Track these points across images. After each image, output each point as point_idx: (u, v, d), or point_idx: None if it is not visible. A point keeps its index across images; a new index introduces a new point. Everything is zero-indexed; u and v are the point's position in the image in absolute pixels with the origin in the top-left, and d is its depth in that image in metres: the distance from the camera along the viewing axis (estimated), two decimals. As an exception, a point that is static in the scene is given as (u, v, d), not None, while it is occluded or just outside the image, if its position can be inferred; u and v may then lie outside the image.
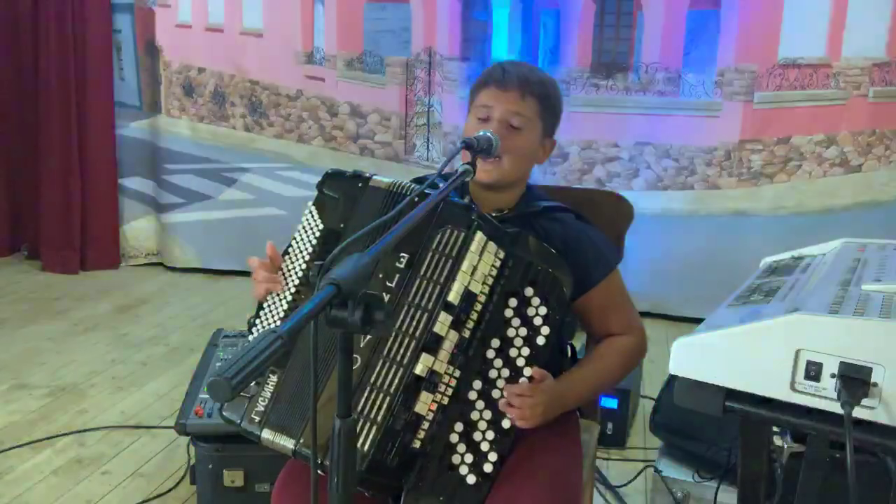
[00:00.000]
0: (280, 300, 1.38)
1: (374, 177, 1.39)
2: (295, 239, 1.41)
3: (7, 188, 4.60)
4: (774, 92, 3.71)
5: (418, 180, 1.43)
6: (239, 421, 1.33)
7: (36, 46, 4.33)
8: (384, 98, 4.21)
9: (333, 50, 4.24)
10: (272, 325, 1.37)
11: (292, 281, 1.38)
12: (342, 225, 1.37)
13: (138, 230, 4.62)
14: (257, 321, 1.41)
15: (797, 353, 0.98)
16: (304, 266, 1.38)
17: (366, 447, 1.20)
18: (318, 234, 1.39)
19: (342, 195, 1.39)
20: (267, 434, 1.29)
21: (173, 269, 4.56)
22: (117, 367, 3.16)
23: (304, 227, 1.41)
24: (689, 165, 3.85)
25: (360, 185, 1.38)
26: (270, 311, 1.39)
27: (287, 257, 1.40)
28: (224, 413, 1.35)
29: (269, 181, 4.44)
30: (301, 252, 1.39)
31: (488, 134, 1.33)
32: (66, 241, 4.40)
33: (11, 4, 4.41)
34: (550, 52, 3.91)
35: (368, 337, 1.23)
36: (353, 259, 0.86)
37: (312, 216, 1.41)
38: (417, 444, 1.22)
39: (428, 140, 4.19)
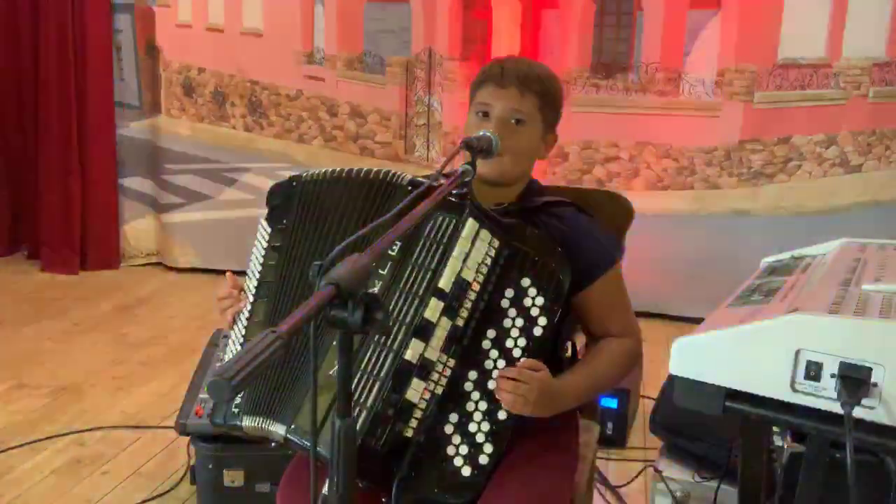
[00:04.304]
0: (244, 309, 1.39)
1: (309, 171, 1.41)
2: (252, 253, 1.43)
3: (7, 188, 4.60)
4: (774, 92, 3.71)
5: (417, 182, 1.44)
6: (223, 421, 1.34)
7: (36, 46, 4.33)
8: (384, 98, 4.21)
9: (333, 50, 4.24)
10: (241, 332, 1.38)
11: (251, 286, 1.39)
12: (284, 221, 1.39)
13: (138, 230, 4.62)
14: (231, 333, 1.42)
15: (797, 353, 0.98)
16: (259, 269, 1.40)
17: None
18: (267, 237, 1.41)
19: (282, 199, 1.41)
20: (248, 422, 1.30)
21: (173, 269, 4.56)
22: (117, 367, 3.16)
23: (258, 241, 1.43)
24: (689, 165, 3.85)
25: (294, 183, 1.41)
26: (238, 321, 1.40)
27: (248, 270, 1.42)
28: (214, 420, 1.36)
29: (269, 181, 4.39)
30: (256, 261, 1.41)
31: (488, 134, 1.33)
32: (66, 241, 4.40)
33: (11, 4, 4.40)
34: (550, 52, 3.91)
35: None
36: (352, 259, 0.87)
37: (263, 227, 1.42)
38: (409, 433, 1.22)
39: (428, 140, 4.19)
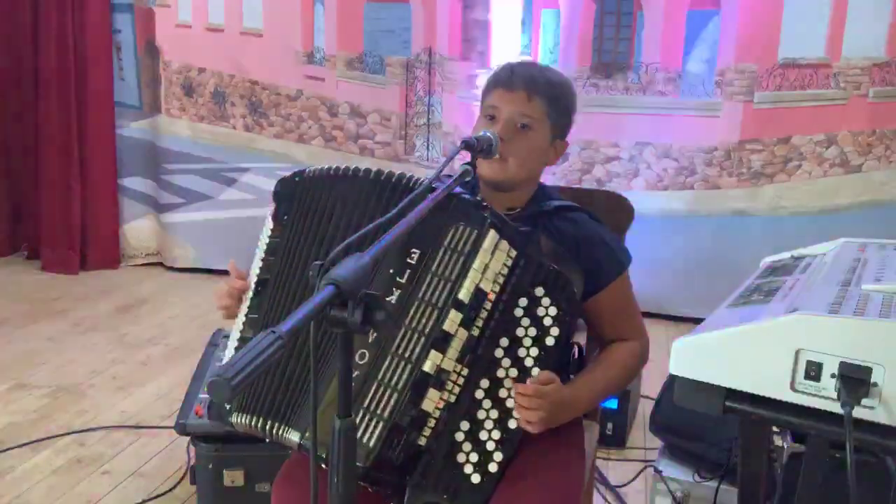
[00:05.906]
0: (243, 305, 1.40)
1: (311, 167, 1.41)
2: (258, 247, 1.43)
3: (7, 188, 4.60)
4: (774, 92, 3.71)
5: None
6: (218, 417, 1.35)
7: (36, 46, 4.33)
8: (384, 98, 4.21)
9: (333, 50, 4.24)
10: (238, 329, 1.38)
11: (251, 283, 1.39)
12: (286, 217, 1.39)
13: (138, 230, 4.62)
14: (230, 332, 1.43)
15: (797, 353, 0.98)
16: (260, 265, 1.39)
17: (371, 443, 1.20)
18: (269, 234, 1.40)
19: (285, 195, 1.41)
20: (236, 418, 1.31)
21: (173, 269, 4.55)
22: (117, 367, 3.16)
23: (261, 237, 1.42)
24: (689, 165, 3.85)
25: (296, 178, 1.40)
26: (238, 319, 1.41)
27: (251, 267, 1.42)
28: (210, 420, 1.36)
29: (269, 181, 4.37)
30: (257, 257, 1.41)
31: (488, 134, 1.34)
32: (66, 241, 4.39)
33: (11, 4, 4.40)
34: (550, 52, 3.91)
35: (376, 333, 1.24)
36: (352, 259, 0.86)
37: (267, 224, 1.42)
38: (423, 442, 1.22)
39: (428, 140, 4.19)
